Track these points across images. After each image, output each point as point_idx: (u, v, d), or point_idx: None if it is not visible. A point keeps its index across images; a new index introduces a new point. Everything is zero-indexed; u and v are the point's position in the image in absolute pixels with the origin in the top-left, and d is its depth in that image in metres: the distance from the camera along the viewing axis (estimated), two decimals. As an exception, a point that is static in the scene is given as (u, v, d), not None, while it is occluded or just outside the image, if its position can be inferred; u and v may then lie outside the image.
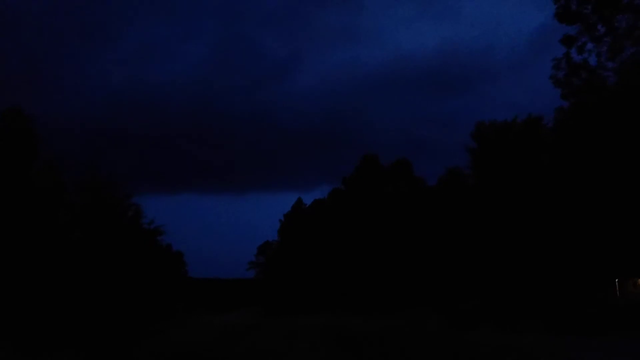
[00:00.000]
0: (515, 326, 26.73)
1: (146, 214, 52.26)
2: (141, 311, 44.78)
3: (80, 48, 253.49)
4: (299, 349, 20.21)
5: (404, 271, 49.70)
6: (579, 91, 27.03)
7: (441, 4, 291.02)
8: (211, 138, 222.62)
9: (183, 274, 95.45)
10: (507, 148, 39.37)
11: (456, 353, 17.95)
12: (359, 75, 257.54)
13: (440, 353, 18.20)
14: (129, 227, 47.58)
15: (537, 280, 33.63)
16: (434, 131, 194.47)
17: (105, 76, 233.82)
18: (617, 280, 31.51)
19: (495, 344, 20.30)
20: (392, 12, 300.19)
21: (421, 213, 49.52)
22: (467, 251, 40.20)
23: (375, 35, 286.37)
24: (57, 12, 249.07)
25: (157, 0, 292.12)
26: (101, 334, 27.84)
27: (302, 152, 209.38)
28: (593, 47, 26.03)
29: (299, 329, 31.97)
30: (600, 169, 27.70)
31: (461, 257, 40.82)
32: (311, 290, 65.07)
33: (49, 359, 18.58)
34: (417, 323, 33.61)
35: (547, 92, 28.18)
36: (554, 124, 34.01)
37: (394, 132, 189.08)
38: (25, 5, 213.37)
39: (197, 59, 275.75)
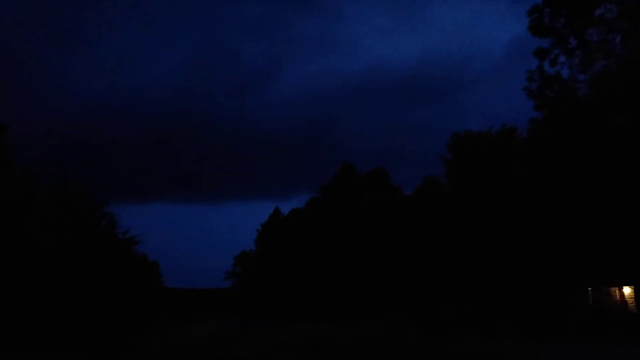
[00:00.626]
0: (492, 334, 26.98)
1: (121, 224, 51.47)
2: (117, 322, 44.00)
3: (55, 55, 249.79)
4: (276, 358, 20.09)
5: (381, 280, 49.83)
6: (552, 103, 27.57)
7: (419, 15, 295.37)
8: (187, 146, 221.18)
9: (159, 285, 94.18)
10: (481, 158, 39.90)
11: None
12: (336, 84, 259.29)
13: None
14: (103, 236, 46.79)
15: (513, 288, 34.02)
16: (410, 140, 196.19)
17: (80, 84, 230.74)
18: (590, 289, 32.07)
19: (473, 351, 20.46)
20: (371, 22, 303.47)
21: (398, 222, 49.79)
22: (443, 260, 40.50)
23: (353, 44, 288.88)
24: (32, 18, 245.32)
25: (135, 8, 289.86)
26: (75, 346, 27.29)
27: (279, 161, 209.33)
28: (565, 60, 26.65)
29: (277, 338, 31.76)
30: (572, 179, 28.19)
31: (438, 266, 41.11)
32: (288, 300, 64.74)
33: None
34: (394, 331, 33.64)
35: (522, 102, 28.65)
36: (527, 134, 34.57)
37: (371, 141, 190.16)
38: (0, 11, 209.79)
39: (174, 67, 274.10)
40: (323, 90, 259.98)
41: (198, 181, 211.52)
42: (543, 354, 18.71)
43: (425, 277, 42.72)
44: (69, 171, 42.20)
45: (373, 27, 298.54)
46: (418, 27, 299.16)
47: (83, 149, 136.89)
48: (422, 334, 30.72)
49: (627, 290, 30.38)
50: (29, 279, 33.39)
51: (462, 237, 38.52)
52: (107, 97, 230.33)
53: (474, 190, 39.13)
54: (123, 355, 23.88)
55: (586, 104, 26.51)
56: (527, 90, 27.92)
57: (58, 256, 37.14)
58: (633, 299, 29.84)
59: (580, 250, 29.18)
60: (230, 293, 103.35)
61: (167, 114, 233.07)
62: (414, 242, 45.39)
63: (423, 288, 43.00)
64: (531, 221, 32.94)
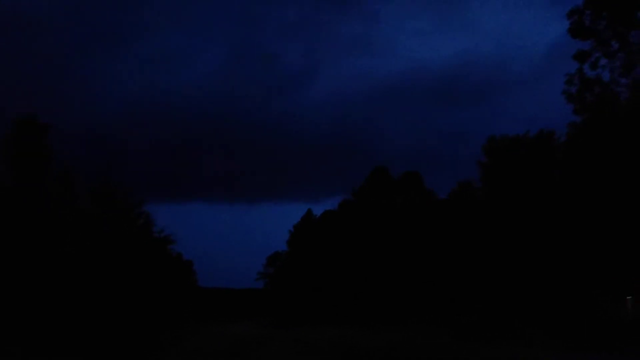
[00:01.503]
0: (526, 341, 26.53)
1: (157, 223, 52.42)
2: (151, 320, 44.82)
3: (94, 56, 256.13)
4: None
5: (413, 283, 49.51)
6: (592, 106, 26.94)
7: (457, 16, 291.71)
8: (223, 147, 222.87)
9: (193, 283, 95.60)
10: (518, 162, 39.23)
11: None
12: (372, 86, 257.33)
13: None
14: (140, 235, 47.73)
15: (547, 295, 33.39)
16: (446, 143, 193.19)
17: (118, 84, 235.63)
18: (629, 297, 31.19)
19: (510, 358, 20.17)
20: (408, 23, 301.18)
21: (431, 226, 49.38)
22: (476, 264, 40.01)
23: (390, 46, 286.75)
24: (71, 20, 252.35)
25: (173, 9, 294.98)
26: (110, 343, 27.91)
27: (313, 163, 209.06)
28: (606, 63, 25.94)
29: (309, 341, 31.89)
30: (612, 185, 27.50)
31: (470, 270, 40.63)
32: (320, 302, 64.90)
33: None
34: (426, 336, 33.39)
35: (561, 106, 27.99)
36: (566, 139, 33.84)
37: (406, 144, 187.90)
38: (41, 12, 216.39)
39: (212, 68, 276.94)
40: (359, 92, 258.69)
41: (233, 182, 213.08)
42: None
43: (458, 281, 42.27)
44: (108, 170, 43.08)
45: (411, 29, 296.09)
46: (456, 29, 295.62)
47: (121, 148, 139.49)
48: (453, 338, 30.43)
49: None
50: (67, 276, 34.33)
51: (496, 241, 37.97)
52: (145, 97, 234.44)
53: (509, 194, 38.52)
54: (153, 353, 24.32)
55: (628, 108, 25.82)
56: (566, 93, 27.29)
57: (97, 255, 38.08)
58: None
59: (620, 257, 28.44)
60: (263, 293, 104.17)
61: (204, 114, 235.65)
62: (446, 246, 44.94)
63: (454, 292, 42.55)
64: (567, 226, 32.27)
